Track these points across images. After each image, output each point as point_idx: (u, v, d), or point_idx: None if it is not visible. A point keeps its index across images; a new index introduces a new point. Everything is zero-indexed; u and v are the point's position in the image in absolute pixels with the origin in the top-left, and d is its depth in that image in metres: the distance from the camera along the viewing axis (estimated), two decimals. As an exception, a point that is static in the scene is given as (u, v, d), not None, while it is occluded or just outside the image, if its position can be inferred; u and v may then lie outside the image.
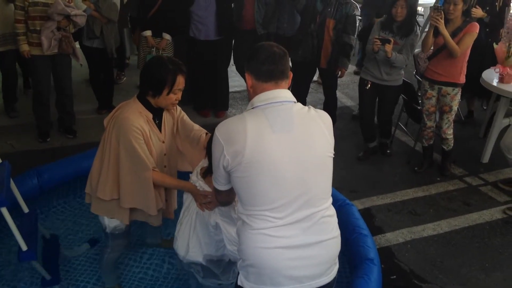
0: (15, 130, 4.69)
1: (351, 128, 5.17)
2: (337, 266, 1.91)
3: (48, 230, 3.02)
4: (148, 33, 4.84)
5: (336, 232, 1.89)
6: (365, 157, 4.56)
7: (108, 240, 2.66)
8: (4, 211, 2.39)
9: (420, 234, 3.54)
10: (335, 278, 1.89)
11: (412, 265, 3.21)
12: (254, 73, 1.80)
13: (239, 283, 1.83)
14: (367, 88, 4.35)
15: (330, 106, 4.88)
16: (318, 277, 1.81)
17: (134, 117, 2.41)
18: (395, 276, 3.11)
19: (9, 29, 4.40)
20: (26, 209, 2.83)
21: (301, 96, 4.93)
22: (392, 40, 4.04)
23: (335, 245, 1.88)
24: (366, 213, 3.69)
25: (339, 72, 4.58)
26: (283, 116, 1.76)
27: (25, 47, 4.22)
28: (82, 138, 4.52)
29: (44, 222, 3.10)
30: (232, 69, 5.71)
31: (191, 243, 2.44)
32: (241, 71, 5.72)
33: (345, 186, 3.98)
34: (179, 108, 2.68)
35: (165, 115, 2.59)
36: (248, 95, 1.93)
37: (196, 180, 2.38)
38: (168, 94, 2.42)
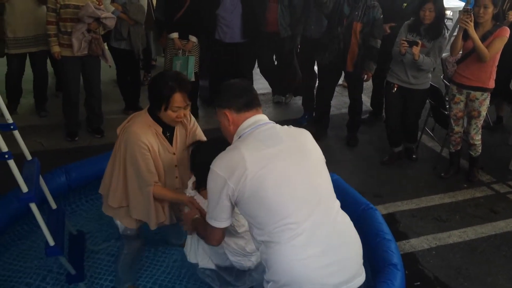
0: (44, 129, 4.81)
1: (376, 132, 5.12)
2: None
3: (75, 227, 3.08)
4: (174, 35, 4.90)
5: (354, 230, 1.92)
6: (390, 162, 4.50)
7: (122, 241, 2.71)
8: (33, 206, 2.45)
9: (445, 241, 3.47)
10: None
11: (436, 272, 3.16)
12: (234, 107, 1.90)
13: None
14: (393, 91, 4.31)
15: (355, 109, 4.85)
16: (353, 279, 1.81)
17: (142, 131, 2.46)
18: (419, 283, 3.07)
19: (41, 30, 4.52)
20: (54, 206, 2.89)
21: (326, 99, 4.91)
22: (420, 43, 3.99)
23: (359, 243, 1.91)
24: (390, 218, 3.64)
25: (365, 76, 4.55)
26: (271, 133, 1.87)
27: (56, 48, 4.33)
28: (109, 138, 4.60)
29: (71, 219, 3.16)
30: (256, 71, 5.72)
31: (199, 252, 2.53)
32: (265, 74, 5.74)
33: (368, 190, 3.94)
34: (193, 120, 2.70)
35: (178, 128, 2.61)
36: (227, 133, 1.98)
37: (194, 193, 2.43)
38: (165, 110, 2.43)
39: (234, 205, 1.83)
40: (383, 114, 5.07)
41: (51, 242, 2.52)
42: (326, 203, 1.85)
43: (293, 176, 1.79)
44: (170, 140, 2.60)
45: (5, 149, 2.34)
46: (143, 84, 5.77)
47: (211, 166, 1.81)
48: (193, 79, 5.05)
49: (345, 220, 1.90)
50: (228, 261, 2.48)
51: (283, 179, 1.77)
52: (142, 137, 2.44)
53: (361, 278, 1.86)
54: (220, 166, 1.79)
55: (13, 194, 2.88)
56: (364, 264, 2.80)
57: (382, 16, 4.38)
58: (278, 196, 1.75)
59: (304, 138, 1.94)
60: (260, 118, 1.92)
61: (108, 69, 5.14)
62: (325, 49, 4.53)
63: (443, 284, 3.06)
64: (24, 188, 2.41)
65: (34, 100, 5.16)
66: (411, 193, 4.05)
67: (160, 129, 2.53)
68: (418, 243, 3.44)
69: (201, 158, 2.38)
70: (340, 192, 3.07)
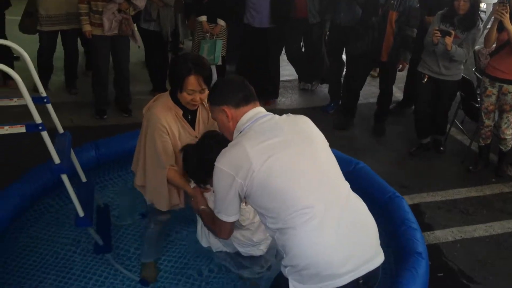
0: (74, 106, 4.90)
1: (403, 123, 5.05)
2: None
3: (103, 201, 3.14)
4: (203, 18, 4.91)
5: (367, 211, 1.91)
6: (417, 153, 4.45)
7: (150, 214, 2.75)
8: (65, 178, 2.51)
9: (471, 234, 3.43)
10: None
11: (460, 265, 3.12)
12: (232, 103, 1.90)
13: None
14: (424, 82, 4.24)
15: (384, 100, 4.80)
16: (372, 259, 1.80)
17: (162, 114, 2.46)
18: (442, 274, 3.04)
19: (73, 8, 4.57)
20: (84, 179, 2.96)
21: (355, 89, 4.85)
22: (453, 33, 3.91)
23: (373, 223, 1.89)
24: (415, 209, 3.60)
25: (400, 66, 4.49)
26: (271, 124, 1.87)
27: (87, 27, 4.39)
28: (136, 117, 4.63)
29: (99, 193, 3.21)
30: (283, 58, 5.69)
31: (210, 237, 2.58)
32: (292, 60, 5.71)
33: (394, 181, 3.88)
34: None
35: (201, 110, 2.61)
36: (227, 130, 1.97)
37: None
38: (181, 92, 2.42)
39: (242, 198, 1.85)
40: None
41: (81, 213, 2.59)
42: (336, 185, 1.85)
43: (299, 162, 1.79)
44: (193, 122, 2.61)
45: (39, 120, 2.40)
46: (171, 66, 5.81)
47: (216, 164, 1.81)
48: (220, 63, 5.06)
49: (357, 202, 1.89)
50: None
51: (289, 166, 1.77)
52: (162, 119, 2.45)
53: (380, 258, 1.84)
54: (225, 163, 1.79)
55: (45, 166, 2.94)
56: (387, 251, 2.81)
57: (418, 5, 4.30)
58: (286, 184, 1.75)
59: (304, 125, 1.94)
60: (259, 110, 1.92)
61: (137, 50, 5.19)
62: (358, 38, 4.47)
63: (467, 276, 3.03)
64: (57, 160, 2.46)
65: (65, 78, 5.25)
66: (438, 185, 4.00)
67: (180, 112, 2.53)
68: (442, 235, 3.40)
69: (192, 163, 2.38)
70: (366, 180, 3.11)
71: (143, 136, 2.58)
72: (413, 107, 4.85)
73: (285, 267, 1.81)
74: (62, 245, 2.83)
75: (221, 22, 4.93)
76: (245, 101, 1.91)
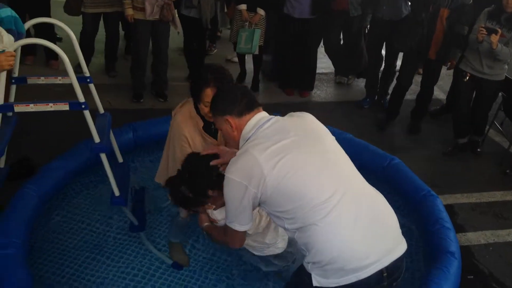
0: (113, 88, 4.99)
1: (440, 122, 4.96)
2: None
3: (138, 182, 3.21)
4: (243, 6, 4.91)
5: (384, 200, 1.90)
6: (452, 153, 4.36)
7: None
8: (103, 157, 2.58)
9: (504, 238, 3.35)
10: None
11: (492, 268, 3.06)
12: (235, 112, 1.91)
13: (315, 284, 1.80)
14: (465, 80, 4.14)
15: (425, 98, 4.69)
16: (395, 248, 1.80)
17: (184, 123, 2.48)
18: (472, 276, 2.99)
19: (116, -9, 4.66)
20: (120, 159, 3.03)
21: (402, 87, 4.70)
22: (499, 31, 3.80)
23: (392, 212, 1.88)
24: (448, 210, 3.47)
25: (448, 64, 4.39)
26: (276, 128, 1.87)
27: (129, 11, 4.45)
28: (171, 103, 4.68)
29: (135, 174, 3.29)
30: (320, 50, 5.65)
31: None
32: (329, 53, 5.66)
33: (427, 179, 3.77)
34: None
35: None
36: (232, 140, 1.98)
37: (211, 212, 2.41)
38: (199, 103, 2.40)
39: (256, 206, 1.86)
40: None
41: (117, 193, 2.65)
42: (349, 177, 1.85)
43: (309, 159, 1.79)
44: (216, 132, 2.60)
45: (82, 99, 2.47)
46: (208, 54, 5.85)
47: (226, 174, 1.82)
48: (256, 52, 5.07)
49: (374, 193, 1.89)
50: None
51: (300, 165, 1.77)
52: (184, 129, 2.48)
53: (402, 246, 1.84)
54: (236, 172, 1.79)
55: (84, 145, 3.03)
56: (417, 249, 2.79)
57: (471, 1, 4.18)
58: (299, 183, 1.75)
59: (310, 122, 1.95)
60: (262, 116, 1.92)
61: (175, 37, 5.24)
62: (405, 34, 4.37)
63: (498, 281, 2.97)
64: (97, 139, 2.53)
65: (105, 60, 5.35)
66: (472, 186, 3.91)
67: (201, 123, 2.54)
68: (475, 237, 3.34)
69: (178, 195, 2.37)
70: (401, 176, 3.08)
71: (168, 140, 2.65)
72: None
73: (308, 263, 1.82)
74: (96, 222, 2.92)
75: (261, 11, 4.93)
76: (248, 109, 1.92)
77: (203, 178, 2.23)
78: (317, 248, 1.75)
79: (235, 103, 1.92)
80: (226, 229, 1.99)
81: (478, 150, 4.43)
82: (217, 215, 2.36)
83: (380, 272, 1.74)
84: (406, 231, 2.76)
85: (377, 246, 1.76)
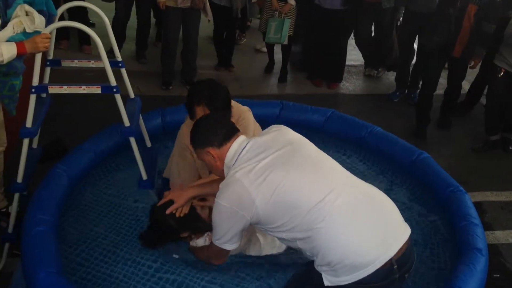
0: (142, 75, 5.06)
1: (471, 118, 4.85)
2: None
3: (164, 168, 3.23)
4: (273, -4, 4.90)
5: (379, 190, 1.93)
6: (483, 150, 4.28)
7: None
8: (132, 140, 2.63)
9: (533, 239, 3.28)
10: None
11: (519, 268, 3.01)
12: (215, 143, 1.93)
13: (327, 283, 1.82)
14: (500, 76, 4.03)
15: (453, 95, 4.60)
16: (399, 236, 1.82)
17: (188, 136, 2.36)
18: (498, 275, 2.94)
19: (149, -21, 4.71)
20: (149, 144, 3.08)
21: (431, 83, 4.51)
22: (538, 26, 3.69)
23: (390, 201, 1.91)
24: (476, 207, 3.40)
25: (472, 62, 4.30)
26: (255, 149, 1.89)
27: (161, -2, 4.50)
28: (200, 91, 4.75)
29: (162, 159, 3.32)
30: (351, 42, 5.59)
31: (267, 241, 2.50)
32: (360, 45, 5.59)
33: (454, 175, 3.72)
34: (244, 117, 2.58)
35: None
36: (216, 169, 2.00)
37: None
38: (191, 118, 2.37)
39: (246, 228, 1.90)
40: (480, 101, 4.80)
41: (144, 176, 2.71)
42: (339, 175, 1.89)
43: (294, 169, 1.82)
44: None
45: (114, 83, 2.52)
46: (237, 43, 5.86)
47: (217, 200, 1.86)
48: (286, 42, 5.05)
49: (365, 185, 1.92)
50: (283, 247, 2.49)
51: (286, 177, 1.79)
52: (186, 139, 2.44)
53: (406, 232, 1.85)
54: (226, 199, 1.83)
55: (113, 128, 3.06)
56: (444, 245, 2.73)
57: None
58: (290, 193, 1.78)
59: (286, 134, 1.98)
60: (240, 141, 1.94)
61: (205, 26, 5.26)
62: (433, 30, 4.27)
63: (526, 281, 2.92)
64: (127, 122, 2.58)
65: (136, 47, 5.42)
66: (502, 185, 3.84)
67: None
68: (503, 236, 3.28)
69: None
70: (429, 171, 3.02)
71: (175, 145, 2.69)
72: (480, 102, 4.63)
73: (318, 266, 1.84)
74: (120, 207, 2.93)
75: (291, 1, 4.91)
76: (227, 138, 1.94)
77: (169, 226, 2.31)
78: (324, 250, 1.77)
79: (215, 134, 1.95)
80: (211, 246, 2.05)
81: (510, 148, 4.34)
82: (199, 242, 2.38)
83: (390, 264, 1.76)
84: (432, 227, 2.76)
85: (381, 237, 1.78)
